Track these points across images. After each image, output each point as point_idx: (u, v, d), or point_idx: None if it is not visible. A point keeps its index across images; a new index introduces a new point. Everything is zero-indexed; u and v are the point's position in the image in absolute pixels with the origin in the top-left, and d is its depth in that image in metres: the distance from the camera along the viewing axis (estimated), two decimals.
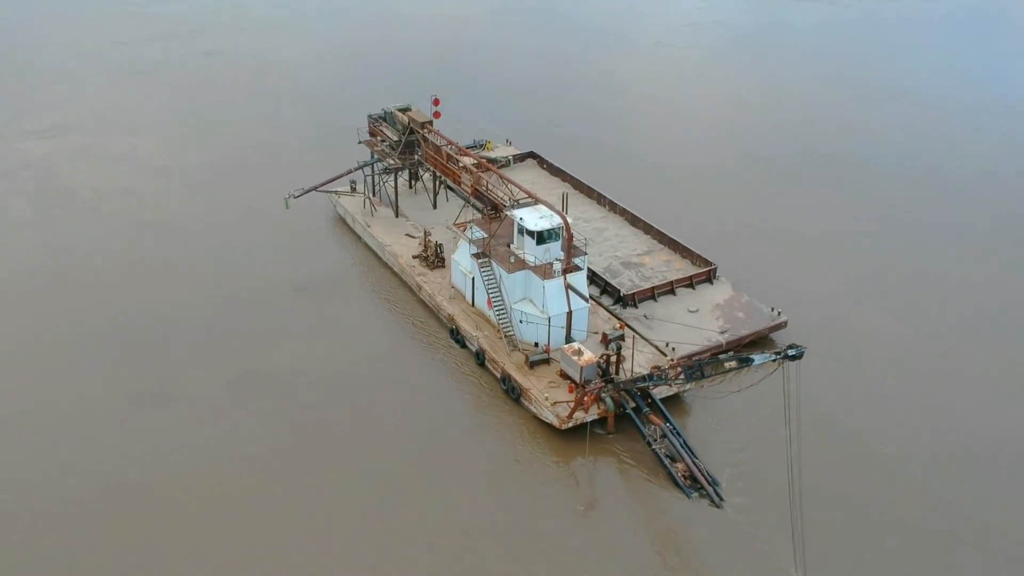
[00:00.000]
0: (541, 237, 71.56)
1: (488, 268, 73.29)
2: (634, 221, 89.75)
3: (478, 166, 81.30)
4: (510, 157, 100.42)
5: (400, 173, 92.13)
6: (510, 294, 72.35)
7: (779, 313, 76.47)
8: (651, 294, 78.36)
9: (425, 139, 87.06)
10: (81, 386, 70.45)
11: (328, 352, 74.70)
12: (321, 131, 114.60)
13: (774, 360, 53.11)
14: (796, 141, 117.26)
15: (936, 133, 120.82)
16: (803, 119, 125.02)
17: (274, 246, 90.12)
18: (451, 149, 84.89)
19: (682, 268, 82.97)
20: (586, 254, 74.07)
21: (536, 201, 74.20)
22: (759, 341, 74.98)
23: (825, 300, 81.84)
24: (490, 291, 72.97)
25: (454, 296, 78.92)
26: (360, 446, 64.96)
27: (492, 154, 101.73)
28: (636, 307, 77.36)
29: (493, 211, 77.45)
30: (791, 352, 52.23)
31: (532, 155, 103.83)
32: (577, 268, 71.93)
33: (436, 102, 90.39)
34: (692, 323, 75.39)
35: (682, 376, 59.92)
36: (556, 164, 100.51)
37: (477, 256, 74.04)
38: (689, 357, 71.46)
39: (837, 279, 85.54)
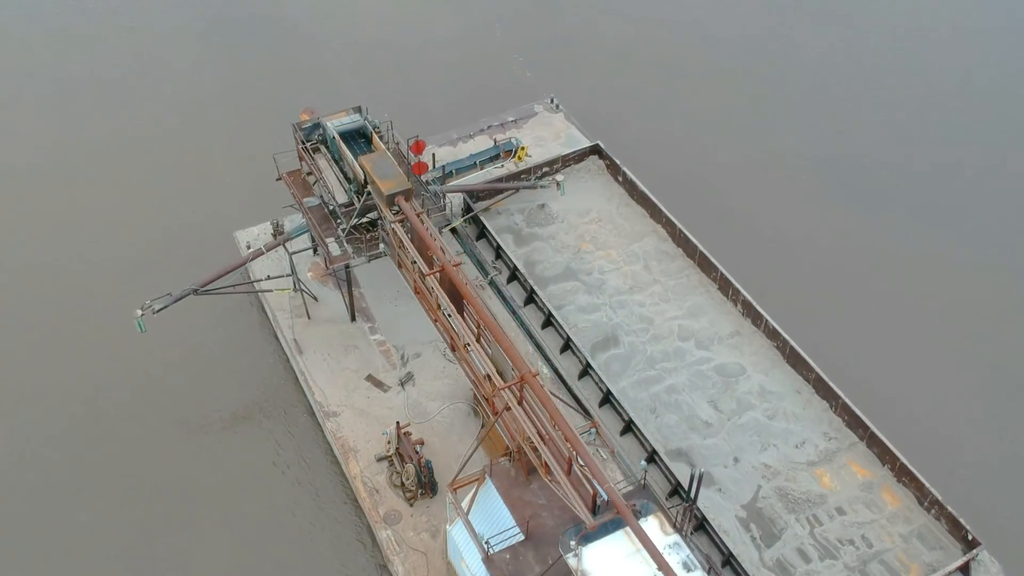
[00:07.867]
0: None
1: None
2: (795, 359, 47.21)
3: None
4: (558, 179, 55.04)
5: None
6: None
7: None
8: None
9: (395, 233, 42.61)
10: None
11: None
12: (207, 160, 61.71)
13: None
14: None
15: None
16: None
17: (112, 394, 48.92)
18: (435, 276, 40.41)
19: (917, 530, 41.73)
20: None
21: (616, 511, 32.05)
22: None
23: None
24: None
25: None
26: None
27: (528, 163, 56.49)
28: None
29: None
30: None
31: (597, 152, 58.58)
32: None
33: (418, 147, 44.29)
34: None
35: None
36: (638, 180, 55.50)
37: None
38: None
39: None
